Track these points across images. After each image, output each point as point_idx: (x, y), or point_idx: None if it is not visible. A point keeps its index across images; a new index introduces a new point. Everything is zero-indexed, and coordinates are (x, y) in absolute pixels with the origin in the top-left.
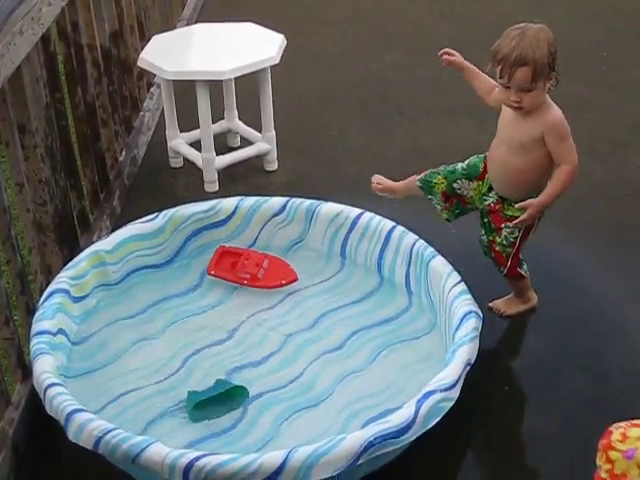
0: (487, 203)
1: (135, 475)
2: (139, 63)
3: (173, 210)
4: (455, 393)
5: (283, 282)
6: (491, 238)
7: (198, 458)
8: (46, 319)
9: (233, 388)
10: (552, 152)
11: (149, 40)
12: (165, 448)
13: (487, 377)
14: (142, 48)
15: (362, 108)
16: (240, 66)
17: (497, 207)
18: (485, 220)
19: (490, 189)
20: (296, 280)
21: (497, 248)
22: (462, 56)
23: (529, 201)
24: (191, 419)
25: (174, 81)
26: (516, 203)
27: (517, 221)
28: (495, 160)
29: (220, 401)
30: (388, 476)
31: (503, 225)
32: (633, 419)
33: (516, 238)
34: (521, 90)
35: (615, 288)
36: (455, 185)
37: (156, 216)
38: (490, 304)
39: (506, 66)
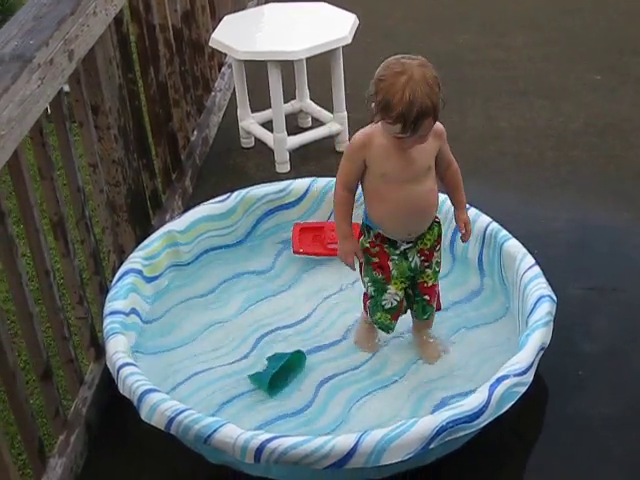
0: (413, 258)
1: (207, 455)
2: (210, 43)
3: (245, 191)
4: (528, 378)
5: None
6: (420, 280)
7: (270, 440)
8: (119, 299)
9: (291, 357)
10: (444, 156)
11: (220, 20)
12: (237, 429)
13: (560, 362)
14: (213, 28)
15: None
16: (312, 46)
17: (424, 247)
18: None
19: (407, 247)
20: None
21: (430, 282)
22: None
23: (464, 216)
24: (270, 395)
25: (245, 61)
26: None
27: (467, 231)
28: (410, 200)
29: (283, 374)
30: (457, 459)
31: (429, 256)
32: None
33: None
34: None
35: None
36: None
37: (228, 197)
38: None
39: (408, 123)
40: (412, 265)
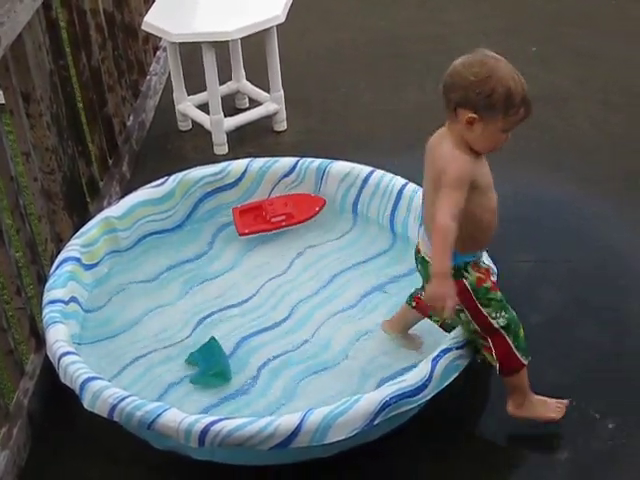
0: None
1: (151, 441)
2: (143, 27)
3: (182, 174)
4: (471, 350)
5: (317, 209)
6: None
7: (214, 423)
8: (58, 288)
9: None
10: None
11: (153, 3)
12: (180, 414)
13: None
14: (147, 11)
15: (371, 65)
16: (246, 26)
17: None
18: None
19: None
20: (325, 203)
21: None
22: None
23: None
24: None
25: (180, 43)
26: None
27: None
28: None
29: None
30: (403, 434)
31: None
32: None
33: None
34: None
35: (634, 240)
36: None
37: (165, 180)
38: None
39: (528, 103)
40: None
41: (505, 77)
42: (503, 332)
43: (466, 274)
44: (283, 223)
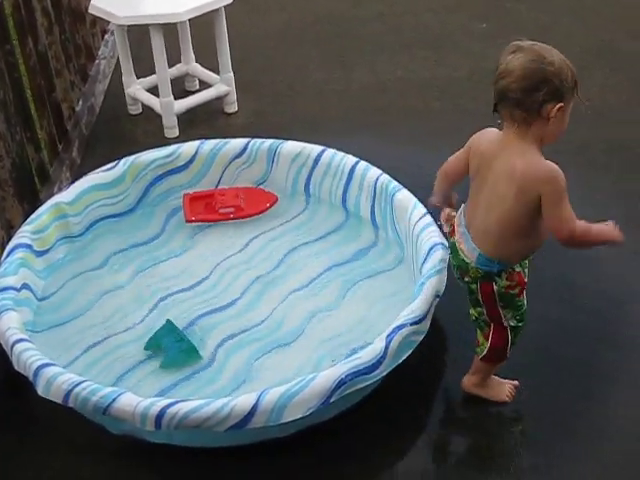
0: None
1: (108, 426)
2: (90, 10)
3: (132, 157)
4: (425, 326)
5: (267, 205)
6: None
7: (169, 405)
8: (9, 275)
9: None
10: None
11: None
12: (136, 398)
13: (460, 310)
14: None
15: (319, 45)
16: (194, 7)
17: None
18: None
19: None
20: (277, 200)
21: None
22: None
23: None
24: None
25: (128, 27)
26: None
27: None
28: None
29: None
30: (359, 412)
31: None
32: None
33: None
34: None
35: (583, 213)
36: None
37: (116, 164)
38: None
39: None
40: None
41: (561, 57)
42: (508, 329)
43: (497, 280)
44: (231, 215)
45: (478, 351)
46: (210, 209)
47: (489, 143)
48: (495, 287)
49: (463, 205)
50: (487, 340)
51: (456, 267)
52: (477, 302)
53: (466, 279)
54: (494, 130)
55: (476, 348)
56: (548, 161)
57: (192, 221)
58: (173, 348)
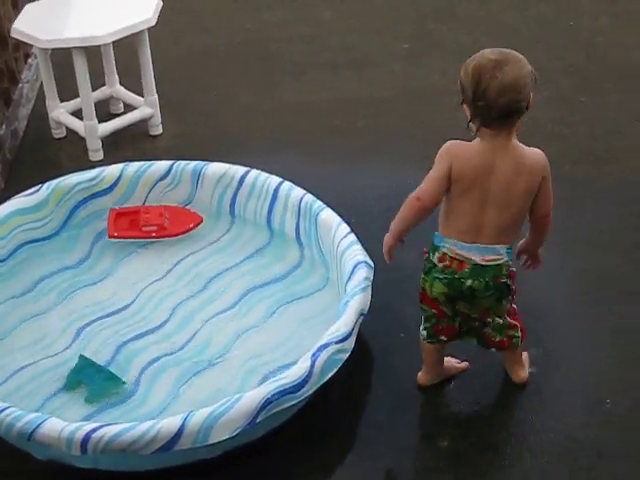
0: None
1: (34, 452)
2: (12, 33)
3: (56, 181)
4: (350, 344)
5: (191, 225)
6: None
7: (95, 430)
8: None
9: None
10: None
11: (22, 9)
12: (61, 423)
13: (384, 326)
14: (16, 18)
15: (244, 66)
16: (116, 30)
17: None
18: None
19: None
20: (202, 221)
21: None
22: None
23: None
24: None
25: (52, 50)
26: None
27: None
28: None
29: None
30: (287, 431)
31: None
32: None
33: None
34: None
35: None
36: None
37: (39, 188)
38: None
39: None
40: None
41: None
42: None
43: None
44: (153, 234)
45: (514, 344)
46: (134, 226)
47: (479, 154)
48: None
49: (440, 235)
50: (515, 328)
51: (473, 289)
52: (499, 301)
53: (490, 291)
54: (463, 142)
55: (508, 346)
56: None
57: (114, 237)
58: (94, 380)
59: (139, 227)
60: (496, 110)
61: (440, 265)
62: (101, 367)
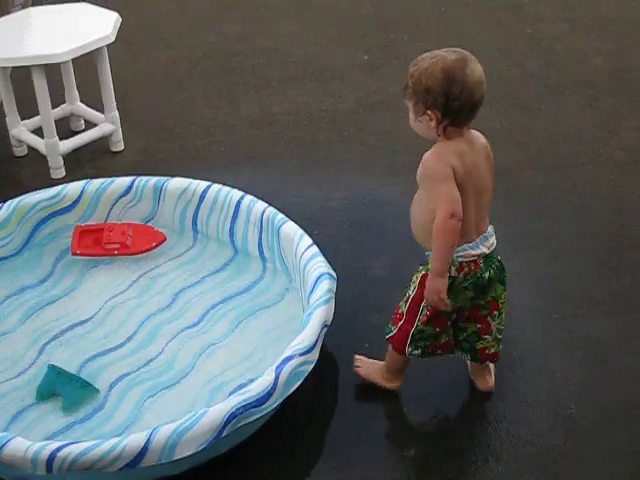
0: None
1: (1, 473)
2: None
3: (17, 200)
4: (314, 356)
5: (154, 244)
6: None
7: (60, 449)
8: None
9: (81, 382)
10: None
11: None
12: (25, 442)
13: (348, 336)
14: None
15: (206, 81)
16: (74, 47)
17: None
18: None
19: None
20: (165, 240)
21: (401, 302)
22: None
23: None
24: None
25: (12, 68)
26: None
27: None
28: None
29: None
30: (252, 445)
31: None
32: None
33: (408, 297)
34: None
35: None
36: None
37: (0, 207)
38: (356, 355)
39: None
40: None
41: None
42: None
43: None
44: (115, 252)
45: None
46: (97, 244)
47: (464, 153)
48: None
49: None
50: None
51: (490, 279)
52: (503, 283)
53: (501, 273)
54: (442, 147)
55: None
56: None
57: (77, 254)
58: (68, 389)
59: (102, 245)
60: (469, 107)
61: (461, 275)
62: (73, 375)
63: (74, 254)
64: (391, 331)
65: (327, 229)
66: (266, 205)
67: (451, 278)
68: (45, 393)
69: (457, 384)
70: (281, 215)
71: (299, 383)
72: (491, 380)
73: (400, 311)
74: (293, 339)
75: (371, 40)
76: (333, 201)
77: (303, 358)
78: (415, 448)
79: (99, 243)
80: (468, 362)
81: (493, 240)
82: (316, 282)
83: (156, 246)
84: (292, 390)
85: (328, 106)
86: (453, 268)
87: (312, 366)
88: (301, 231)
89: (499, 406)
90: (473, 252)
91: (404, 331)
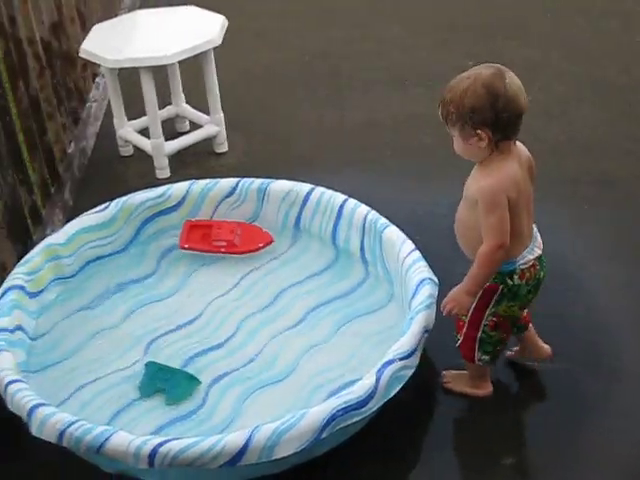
0: None
1: (102, 465)
2: (81, 53)
3: (124, 199)
4: (414, 361)
5: (260, 245)
6: None
7: (162, 444)
8: (2, 316)
9: (184, 374)
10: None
11: (90, 30)
12: (129, 436)
13: (447, 342)
14: (84, 38)
15: (310, 84)
16: (182, 50)
17: None
18: None
19: None
20: (272, 241)
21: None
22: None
23: (452, 292)
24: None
25: (119, 69)
26: None
27: (446, 308)
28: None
29: (169, 382)
30: (351, 447)
31: None
32: None
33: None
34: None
35: (573, 245)
36: None
37: (107, 206)
38: (444, 372)
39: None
40: None
41: None
42: None
43: None
44: (222, 249)
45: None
46: (205, 240)
47: (515, 171)
48: None
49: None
50: None
51: (544, 277)
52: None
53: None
54: (501, 170)
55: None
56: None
57: (184, 248)
58: (171, 383)
59: (210, 241)
60: (516, 116)
61: (523, 282)
62: (174, 369)
63: (181, 248)
64: (458, 339)
65: (430, 234)
66: (369, 209)
67: (515, 287)
68: (149, 390)
69: (556, 391)
70: (384, 219)
71: (399, 387)
72: (545, 344)
73: (461, 319)
74: (394, 344)
75: (477, 46)
76: (437, 207)
77: (403, 363)
78: (512, 457)
79: (207, 239)
80: (515, 348)
81: (539, 238)
82: (418, 287)
83: (263, 247)
84: (392, 394)
85: (434, 111)
86: (516, 277)
87: (412, 371)
88: (403, 236)
89: (597, 417)
90: (531, 257)
91: (469, 338)
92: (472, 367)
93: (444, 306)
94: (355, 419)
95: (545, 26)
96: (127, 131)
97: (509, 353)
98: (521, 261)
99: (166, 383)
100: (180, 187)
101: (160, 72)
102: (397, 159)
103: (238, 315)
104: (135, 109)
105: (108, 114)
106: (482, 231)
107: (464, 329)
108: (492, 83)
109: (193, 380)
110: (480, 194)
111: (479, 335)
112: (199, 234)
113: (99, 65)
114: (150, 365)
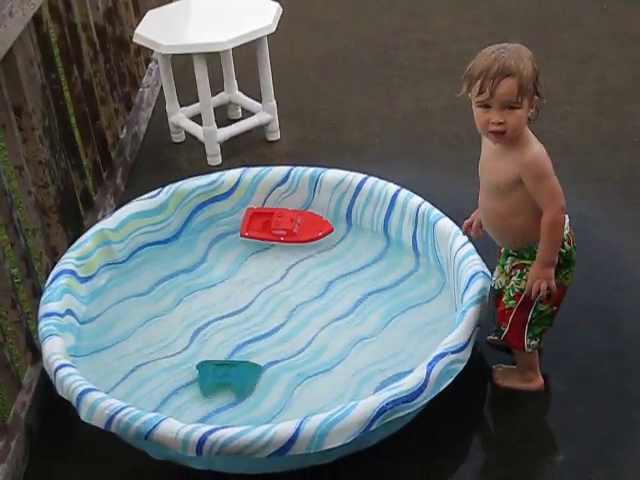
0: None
1: (150, 451)
2: (134, 39)
3: (176, 185)
4: (466, 355)
5: (320, 234)
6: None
7: (211, 432)
8: (53, 301)
9: (244, 364)
10: (533, 197)
11: (144, 15)
12: (177, 423)
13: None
14: (138, 24)
15: (362, 73)
16: (236, 36)
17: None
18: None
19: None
20: (332, 231)
21: (503, 299)
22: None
23: (533, 271)
24: (203, 393)
25: (172, 55)
26: (526, 252)
27: (527, 290)
28: (481, 209)
29: (232, 375)
30: (399, 439)
31: (513, 272)
32: None
33: (521, 290)
34: (505, 107)
35: (625, 240)
36: None
37: (159, 192)
38: (494, 366)
39: (487, 78)
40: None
41: (481, 55)
42: None
43: None
44: (282, 238)
45: None
46: (266, 228)
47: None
48: None
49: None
50: None
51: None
52: None
53: None
54: (531, 135)
55: None
56: None
57: (244, 236)
58: (236, 376)
59: (270, 230)
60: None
61: (572, 246)
62: (231, 362)
63: (242, 236)
64: (503, 331)
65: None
66: (422, 200)
67: (568, 253)
68: (210, 388)
69: (608, 385)
70: (437, 211)
71: (450, 381)
72: None
73: (507, 307)
74: (444, 337)
75: (529, 36)
76: None
77: (455, 356)
78: (562, 453)
79: (267, 228)
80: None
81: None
82: (470, 280)
83: (322, 236)
84: (442, 388)
85: None
86: (566, 243)
87: (463, 365)
88: (457, 228)
89: None
90: (567, 220)
91: (518, 323)
92: (523, 357)
93: (530, 288)
94: (405, 412)
95: (598, 18)
96: (179, 117)
97: (490, 337)
98: (566, 225)
99: (229, 377)
100: (232, 174)
101: (213, 59)
102: (447, 150)
103: (289, 304)
104: (188, 95)
105: (160, 100)
106: (539, 201)
107: (511, 315)
108: (524, 49)
109: (254, 367)
110: (528, 167)
111: (529, 317)
112: (260, 222)
113: (152, 51)
114: (204, 365)
